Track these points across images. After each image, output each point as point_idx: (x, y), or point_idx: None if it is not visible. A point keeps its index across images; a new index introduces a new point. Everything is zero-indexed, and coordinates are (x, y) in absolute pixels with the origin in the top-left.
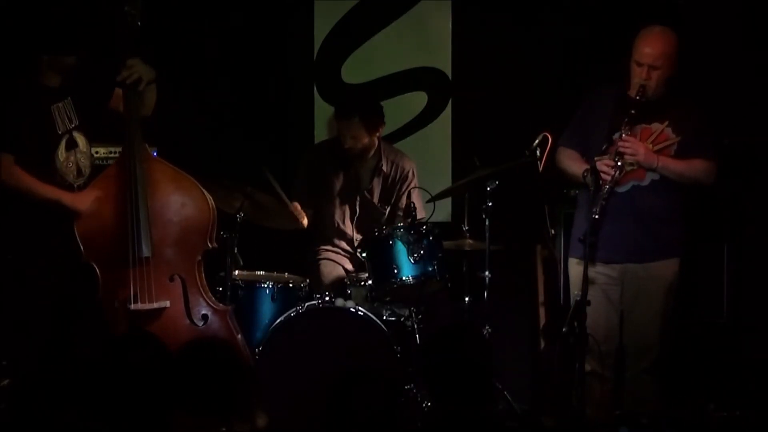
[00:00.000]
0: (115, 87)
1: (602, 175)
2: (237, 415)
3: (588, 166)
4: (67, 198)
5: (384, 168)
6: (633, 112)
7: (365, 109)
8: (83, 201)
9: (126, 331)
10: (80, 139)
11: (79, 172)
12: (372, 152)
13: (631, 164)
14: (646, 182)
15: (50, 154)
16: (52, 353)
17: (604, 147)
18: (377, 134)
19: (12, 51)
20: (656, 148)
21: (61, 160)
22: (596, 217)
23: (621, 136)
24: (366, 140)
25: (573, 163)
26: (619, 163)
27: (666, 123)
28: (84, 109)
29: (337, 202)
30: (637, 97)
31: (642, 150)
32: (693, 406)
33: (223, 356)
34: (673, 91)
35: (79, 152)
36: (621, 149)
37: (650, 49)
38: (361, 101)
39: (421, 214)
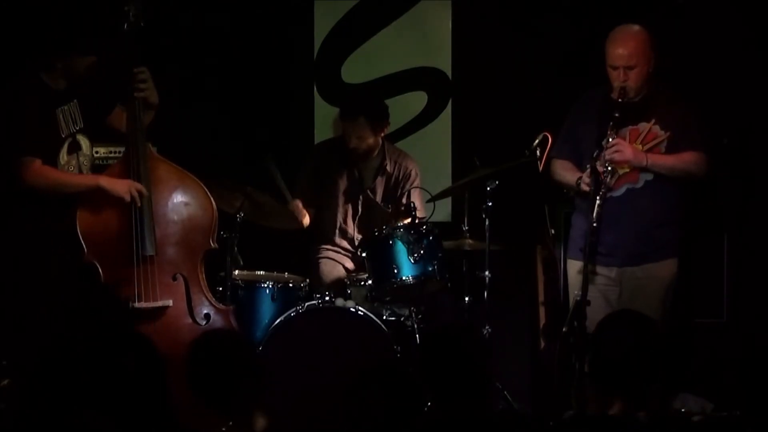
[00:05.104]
0: (121, 94)
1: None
2: (237, 414)
3: (581, 174)
4: (104, 181)
5: (388, 168)
6: (616, 115)
7: (371, 108)
8: (120, 184)
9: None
10: (84, 142)
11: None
12: (376, 152)
13: (623, 167)
14: (640, 184)
15: (52, 157)
16: (52, 353)
17: (596, 153)
18: (382, 134)
19: (12, 52)
20: (646, 147)
21: (62, 163)
22: (595, 225)
23: (608, 140)
24: (371, 140)
25: (566, 173)
26: (609, 168)
27: (653, 121)
28: (89, 112)
29: (340, 201)
30: (619, 99)
31: (629, 150)
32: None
33: (231, 349)
34: (656, 87)
35: (82, 155)
36: (608, 155)
37: (621, 50)
38: (366, 101)
39: (421, 214)
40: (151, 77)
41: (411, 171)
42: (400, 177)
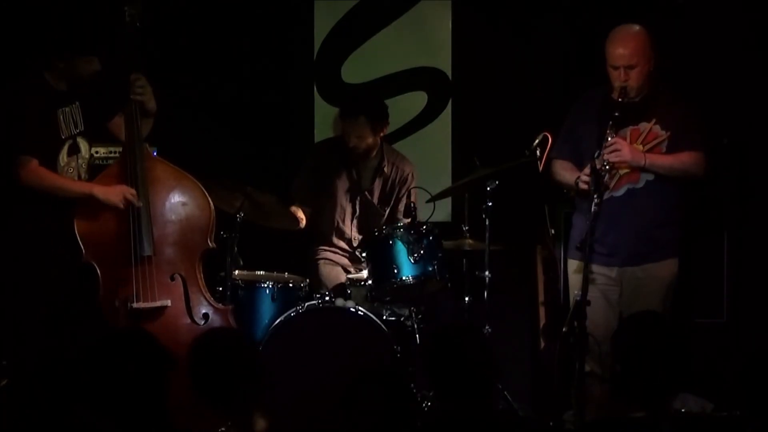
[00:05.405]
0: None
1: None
2: (237, 414)
3: (579, 174)
4: (98, 190)
5: (385, 169)
6: (616, 114)
7: (371, 108)
8: (113, 192)
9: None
10: (83, 145)
11: (79, 177)
12: (375, 152)
13: (623, 167)
14: (640, 184)
15: (52, 158)
16: (52, 353)
17: (597, 153)
18: (382, 134)
19: (13, 52)
20: (647, 147)
21: (62, 165)
22: (587, 222)
23: (607, 140)
24: (370, 140)
25: (567, 173)
26: (606, 167)
27: (653, 121)
28: (90, 115)
29: (338, 201)
30: (619, 99)
31: (627, 149)
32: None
33: (231, 349)
34: (657, 87)
35: (81, 158)
36: (606, 155)
37: (622, 50)
38: (366, 101)
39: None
40: (148, 84)
41: (408, 174)
42: (397, 180)
